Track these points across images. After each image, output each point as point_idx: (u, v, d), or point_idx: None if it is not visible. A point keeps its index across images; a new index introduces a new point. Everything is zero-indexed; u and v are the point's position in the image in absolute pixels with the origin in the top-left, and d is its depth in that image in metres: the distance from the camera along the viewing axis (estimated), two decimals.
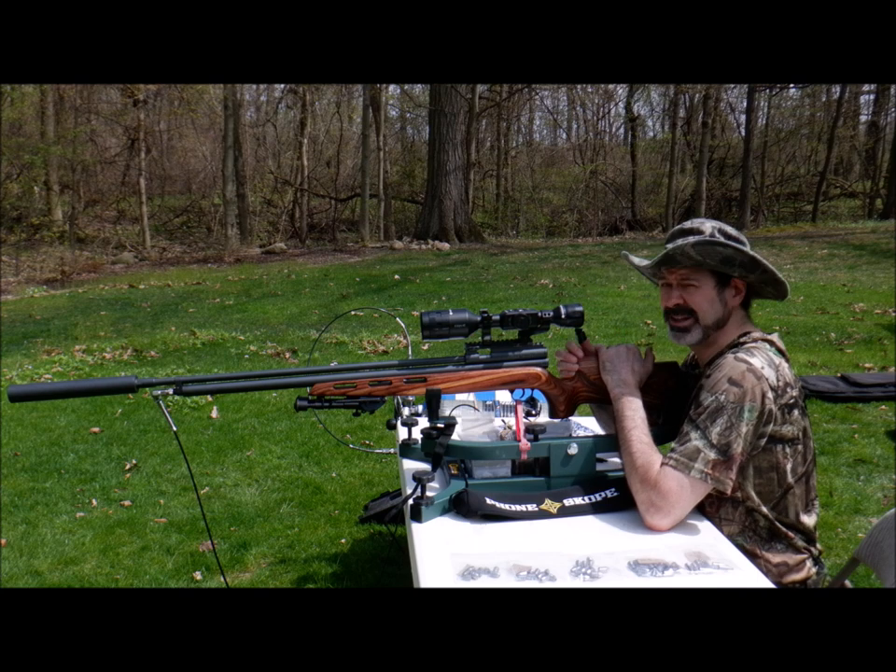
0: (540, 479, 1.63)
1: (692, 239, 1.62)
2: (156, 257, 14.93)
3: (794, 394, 1.56)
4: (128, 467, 3.98)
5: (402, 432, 1.80)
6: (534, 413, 1.71)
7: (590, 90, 22.37)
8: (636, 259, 1.77)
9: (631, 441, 1.55)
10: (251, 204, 18.13)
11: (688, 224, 1.70)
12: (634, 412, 1.60)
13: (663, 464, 1.50)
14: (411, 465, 1.82)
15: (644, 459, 1.51)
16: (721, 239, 1.62)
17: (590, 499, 1.58)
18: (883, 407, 4.53)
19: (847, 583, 1.77)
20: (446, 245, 14.49)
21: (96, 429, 4.60)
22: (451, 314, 1.60)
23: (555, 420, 1.75)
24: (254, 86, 20.33)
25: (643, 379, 1.68)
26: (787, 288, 1.67)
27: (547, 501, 1.56)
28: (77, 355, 6.51)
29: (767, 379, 1.51)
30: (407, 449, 1.75)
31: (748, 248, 1.63)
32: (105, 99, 18.46)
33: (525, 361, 1.66)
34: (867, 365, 5.47)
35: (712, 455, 1.47)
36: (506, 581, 1.29)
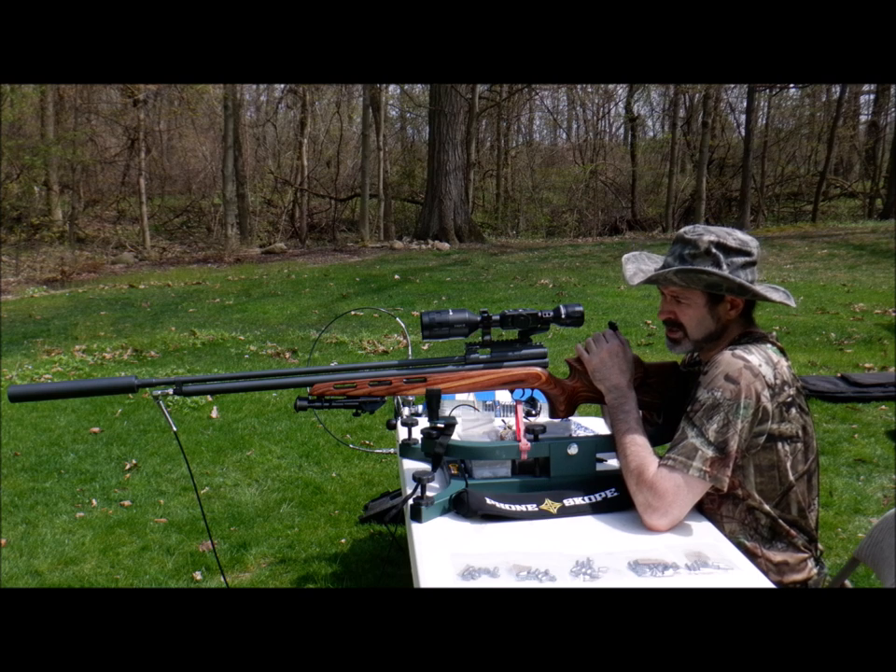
0: (540, 479, 1.63)
1: (675, 263, 1.61)
2: (156, 257, 14.93)
3: (792, 392, 1.56)
4: (128, 467, 3.98)
5: (402, 432, 1.80)
6: (534, 412, 1.71)
7: (590, 90, 22.37)
8: (629, 270, 1.70)
9: (625, 444, 1.56)
10: (251, 204, 18.13)
11: (689, 233, 1.63)
12: (627, 414, 1.60)
13: (660, 465, 1.50)
14: (411, 465, 1.82)
15: (638, 461, 1.52)
16: (708, 268, 1.56)
17: (590, 499, 1.58)
18: (883, 407, 4.52)
19: (847, 583, 1.77)
20: (446, 245, 14.48)
21: (96, 429, 4.60)
22: (451, 314, 1.60)
23: (555, 420, 1.75)
24: (254, 86, 20.34)
25: (634, 372, 1.67)
26: (789, 302, 1.64)
27: (547, 501, 1.56)
28: (77, 355, 6.51)
29: (764, 377, 1.51)
30: (407, 449, 1.76)
31: (753, 257, 1.60)
32: (105, 99, 18.46)
33: (525, 361, 1.66)
34: (867, 365, 5.47)
35: (710, 452, 1.47)
36: (506, 581, 1.29)
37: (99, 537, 3.20)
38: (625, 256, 1.78)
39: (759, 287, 1.60)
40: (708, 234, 1.61)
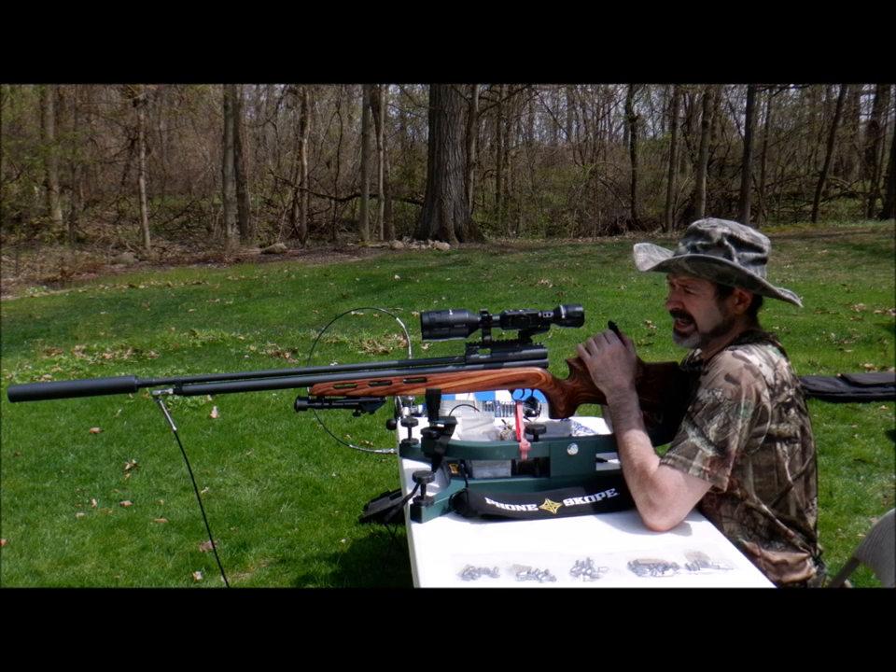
0: (540, 479, 1.63)
1: (686, 253, 1.61)
2: (156, 257, 14.92)
3: (791, 393, 1.56)
4: (128, 467, 3.98)
5: (402, 432, 1.80)
6: (534, 412, 1.71)
7: (590, 90, 22.37)
8: (640, 257, 1.71)
9: (627, 443, 1.56)
10: (251, 204, 18.13)
11: (702, 225, 1.64)
12: (629, 414, 1.60)
13: (661, 463, 1.50)
14: (411, 465, 1.82)
15: (640, 460, 1.52)
16: (720, 258, 1.56)
17: (590, 499, 1.58)
18: (883, 407, 4.52)
19: (847, 583, 1.77)
20: (446, 245, 14.48)
21: (96, 429, 4.60)
22: (451, 314, 1.60)
23: (555, 420, 1.75)
24: (254, 86, 20.34)
25: (636, 373, 1.67)
26: (796, 301, 1.64)
27: (547, 501, 1.56)
28: (77, 355, 6.51)
29: (764, 377, 1.51)
30: (407, 449, 1.76)
31: (764, 254, 1.60)
32: (105, 99, 18.45)
33: (526, 361, 1.66)
34: (867, 365, 5.47)
35: (710, 452, 1.48)
36: (506, 581, 1.29)
37: (99, 537, 3.19)
38: (636, 245, 1.78)
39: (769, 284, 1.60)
40: (722, 227, 1.61)
